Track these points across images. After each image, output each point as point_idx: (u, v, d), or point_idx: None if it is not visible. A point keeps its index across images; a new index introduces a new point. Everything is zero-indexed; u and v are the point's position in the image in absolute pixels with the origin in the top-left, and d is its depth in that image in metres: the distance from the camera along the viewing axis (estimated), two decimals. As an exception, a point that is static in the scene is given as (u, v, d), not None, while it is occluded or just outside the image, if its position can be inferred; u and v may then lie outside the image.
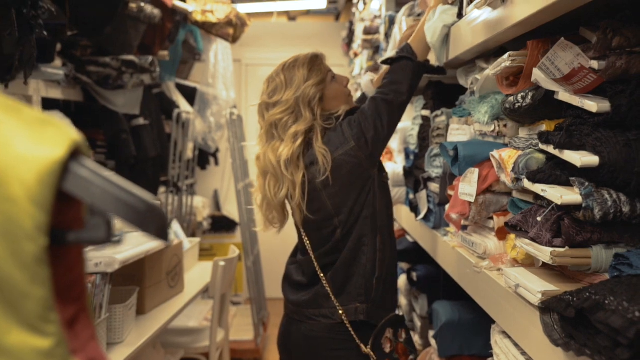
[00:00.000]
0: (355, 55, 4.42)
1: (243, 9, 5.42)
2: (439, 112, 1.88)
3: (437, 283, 2.15)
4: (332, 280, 1.74)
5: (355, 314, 1.69)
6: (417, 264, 2.36)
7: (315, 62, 1.79)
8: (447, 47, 1.61)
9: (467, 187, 1.35)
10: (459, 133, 1.58)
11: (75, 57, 3.08)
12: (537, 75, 1.03)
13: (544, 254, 0.96)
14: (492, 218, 1.34)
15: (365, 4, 4.01)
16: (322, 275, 1.75)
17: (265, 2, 5.58)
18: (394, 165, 2.52)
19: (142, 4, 3.05)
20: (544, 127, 1.11)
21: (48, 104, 2.95)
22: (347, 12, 5.88)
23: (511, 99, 1.16)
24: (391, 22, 2.74)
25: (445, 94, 2.00)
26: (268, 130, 1.74)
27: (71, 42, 3.06)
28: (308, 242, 1.78)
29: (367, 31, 3.33)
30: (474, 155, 1.36)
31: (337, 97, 1.78)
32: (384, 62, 1.84)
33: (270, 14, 6.09)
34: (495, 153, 1.24)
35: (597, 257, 0.93)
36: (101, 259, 1.87)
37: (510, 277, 1.08)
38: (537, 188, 1.00)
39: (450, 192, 1.62)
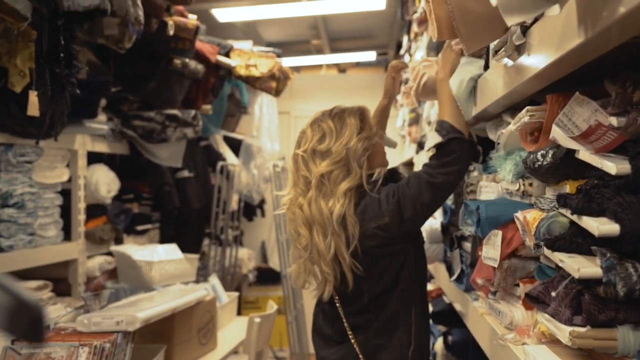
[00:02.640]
0: (400, 106, 4.37)
1: (292, 62, 5.51)
2: (471, 167, 1.79)
3: (468, 344, 2.01)
4: (364, 345, 1.65)
5: None
6: (453, 327, 2.21)
7: (365, 114, 1.72)
8: (474, 100, 1.53)
9: (491, 250, 1.24)
10: (487, 190, 1.48)
11: (121, 112, 3.16)
12: (556, 132, 0.94)
13: (563, 333, 0.85)
14: (518, 285, 1.23)
15: (410, 55, 3.98)
16: (351, 335, 1.67)
17: (315, 55, 5.66)
18: (433, 220, 2.41)
19: (187, 60, 3.12)
20: (567, 187, 1.00)
21: (94, 157, 3.03)
22: (396, 64, 5.87)
23: (532, 156, 1.06)
24: (430, 73, 2.67)
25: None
26: (318, 182, 1.62)
27: (118, 97, 3.16)
28: (336, 295, 1.70)
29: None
30: (497, 215, 1.25)
31: (378, 156, 1.71)
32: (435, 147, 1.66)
33: (320, 66, 6.17)
34: (519, 214, 1.14)
35: (624, 339, 0.81)
36: (122, 316, 1.84)
37: (529, 357, 0.96)
38: (556, 257, 0.90)
39: (479, 253, 1.51)
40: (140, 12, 2.39)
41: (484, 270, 1.30)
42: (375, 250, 1.60)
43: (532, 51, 1.00)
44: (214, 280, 3.13)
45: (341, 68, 6.30)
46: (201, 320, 2.52)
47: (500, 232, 1.22)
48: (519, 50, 1.03)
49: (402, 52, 4.60)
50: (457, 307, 1.87)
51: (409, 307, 1.64)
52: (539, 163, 1.02)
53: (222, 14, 4.41)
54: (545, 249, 0.95)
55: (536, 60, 0.99)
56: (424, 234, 2.39)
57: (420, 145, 2.84)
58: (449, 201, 2.19)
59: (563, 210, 0.92)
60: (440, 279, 2.30)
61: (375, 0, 4.27)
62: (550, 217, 1.01)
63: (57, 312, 2.11)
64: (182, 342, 2.38)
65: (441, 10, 1.09)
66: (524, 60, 1.05)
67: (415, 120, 3.31)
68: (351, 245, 1.58)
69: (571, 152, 0.95)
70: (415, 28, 2.98)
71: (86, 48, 2.85)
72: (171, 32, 2.87)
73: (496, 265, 1.21)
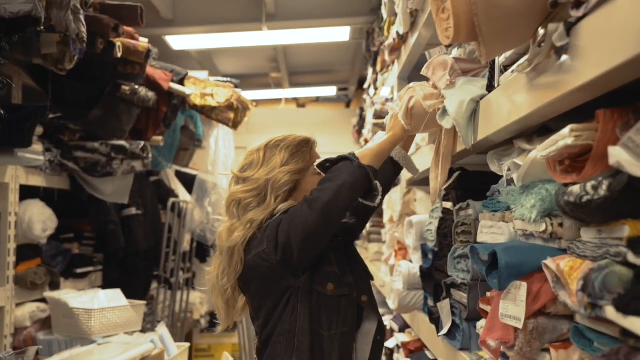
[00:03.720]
0: (366, 141, 4.18)
1: (250, 95, 5.29)
2: (464, 205, 1.57)
3: None
4: None
5: None
6: (440, 388, 1.95)
7: (302, 147, 1.62)
8: (474, 126, 1.31)
9: (511, 307, 1.00)
10: (492, 232, 1.25)
11: (61, 142, 2.85)
12: (618, 156, 0.72)
13: None
14: (547, 350, 0.99)
15: (376, 89, 3.81)
16: None
17: (273, 89, 5.46)
18: (409, 264, 2.18)
19: (136, 87, 2.85)
20: (626, 229, 0.78)
21: (28, 192, 2.69)
22: (357, 99, 5.74)
23: (576, 189, 0.84)
24: (404, 104, 2.47)
25: (471, 182, 1.69)
26: (228, 205, 1.58)
27: (57, 125, 2.84)
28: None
29: (378, 115, 3.09)
30: (520, 263, 1.02)
31: (308, 192, 1.52)
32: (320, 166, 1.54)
33: (278, 100, 5.97)
34: (550, 262, 0.91)
35: None
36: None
37: None
38: (635, 324, 0.66)
39: (483, 306, 1.27)
40: (84, 29, 2.12)
41: (499, 330, 1.06)
42: (259, 282, 1.51)
43: (578, 55, 0.79)
44: (162, 329, 2.80)
45: (300, 103, 6.13)
46: (147, 379, 2.18)
47: (524, 285, 0.99)
48: (559, 53, 0.82)
49: (365, 85, 4.44)
50: (448, 367, 1.62)
51: (287, 357, 1.46)
52: (588, 197, 0.80)
53: (177, 42, 4.17)
54: (609, 310, 0.72)
55: (585, 66, 0.77)
56: (401, 279, 2.16)
57: (393, 181, 2.62)
58: (431, 243, 1.96)
59: (635, 259, 0.69)
60: (420, 331, 2.05)
61: (339, 31, 4.11)
62: (604, 268, 0.78)
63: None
64: (124, 408, 2.04)
65: (461, 5, 0.88)
66: (564, 67, 0.84)
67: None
68: (237, 275, 1.54)
69: (635, 183, 0.73)
70: (386, 56, 2.81)
71: (20, 68, 2.54)
72: (119, 55, 2.60)
73: (520, 326, 0.97)
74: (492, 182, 1.41)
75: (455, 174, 1.69)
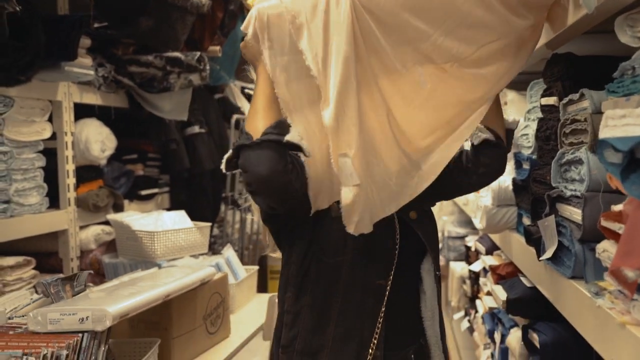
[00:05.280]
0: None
1: None
2: (575, 96, 1.22)
3: (573, 354, 1.44)
4: None
5: None
6: (538, 319, 1.64)
7: None
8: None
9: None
10: (625, 123, 0.91)
11: (115, 56, 2.66)
12: None
13: None
14: None
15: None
16: None
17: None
18: (500, 178, 1.85)
19: (188, -9, 2.58)
20: None
21: (84, 111, 2.54)
22: None
23: None
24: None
25: (582, 69, 1.33)
26: None
27: (110, 38, 2.64)
28: None
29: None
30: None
31: None
32: None
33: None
34: None
35: None
36: (88, 311, 1.35)
37: None
38: None
39: (606, 224, 0.96)
40: None
41: (638, 255, 0.75)
42: None
43: None
44: (229, 252, 2.65)
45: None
46: (208, 305, 2.03)
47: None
48: None
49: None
50: (553, 298, 1.32)
51: (283, 289, 1.41)
52: None
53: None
54: None
55: None
56: (489, 194, 1.85)
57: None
58: (527, 150, 1.63)
59: None
60: (513, 254, 1.75)
61: None
62: None
63: (17, 301, 1.64)
64: (184, 334, 1.91)
65: None
66: None
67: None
68: None
69: None
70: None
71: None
72: (164, -46, 2.32)
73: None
74: (610, 69, 1.06)
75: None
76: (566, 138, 1.26)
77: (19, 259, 2.15)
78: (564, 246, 1.22)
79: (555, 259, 1.25)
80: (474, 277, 2.63)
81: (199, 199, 3.29)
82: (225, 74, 3.27)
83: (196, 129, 3.14)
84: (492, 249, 2.28)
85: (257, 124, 1.22)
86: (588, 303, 1.05)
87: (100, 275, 2.51)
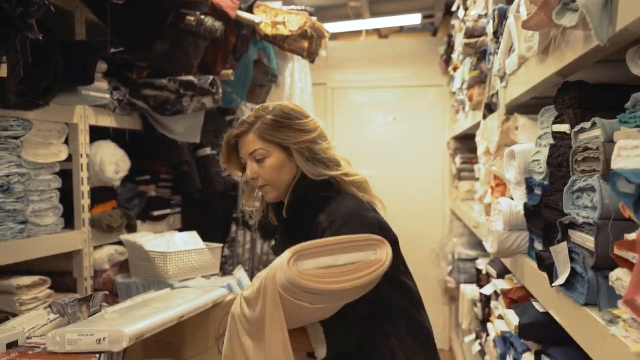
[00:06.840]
0: (455, 69, 3.79)
1: (329, 28, 4.97)
2: (587, 125, 1.24)
3: None
4: None
5: None
6: (551, 344, 1.65)
7: None
8: (611, 11, 0.97)
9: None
10: (638, 154, 0.93)
11: (129, 80, 2.71)
12: None
13: None
14: None
15: (466, 9, 3.39)
16: None
17: (352, 20, 5.11)
18: (510, 202, 1.87)
19: (202, 17, 2.63)
20: None
21: (99, 133, 2.58)
22: (445, 27, 5.27)
23: None
24: (502, 16, 2.11)
25: (593, 97, 1.36)
26: None
27: (125, 62, 2.70)
28: None
29: (470, 34, 2.70)
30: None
31: None
32: None
33: (359, 33, 5.60)
34: None
35: None
36: (106, 332, 1.37)
37: None
38: None
39: (620, 253, 0.98)
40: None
41: (653, 284, 0.77)
42: None
43: None
44: (240, 273, 2.66)
45: (382, 34, 5.72)
46: (221, 325, 2.04)
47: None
48: None
49: (454, 8, 4.01)
50: (565, 324, 1.33)
51: None
52: None
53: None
54: None
55: None
56: (501, 219, 1.86)
57: (489, 108, 2.28)
58: (539, 175, 1.65)
59: None
60: (525, 279, 1.76)
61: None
62: None
63: (35, 320, 1.66)
64: (197, 355, 1.92)
65: None
66: None
67: (479, 80, 2.75)
68: None
69: None
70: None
71: (80, 1, 2.39)
72: (180, -20, 2.38)
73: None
74: (621, 97, 1.09)
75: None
76: (578, 166, 1.28)
77: (35, 278, 2.18)
78: (577, 273, 1.23)
79: (568, 285, 1.27)
80: (485, 300, 2.63)
81: (210, 220, 3.31)
82: (237, 96, 3.32)
83: (208, 150, 3.17)
84: (503, 272, 2.28)
85: None
86: (602, 330, 1.06)
87: (113, 295, 2.53)
